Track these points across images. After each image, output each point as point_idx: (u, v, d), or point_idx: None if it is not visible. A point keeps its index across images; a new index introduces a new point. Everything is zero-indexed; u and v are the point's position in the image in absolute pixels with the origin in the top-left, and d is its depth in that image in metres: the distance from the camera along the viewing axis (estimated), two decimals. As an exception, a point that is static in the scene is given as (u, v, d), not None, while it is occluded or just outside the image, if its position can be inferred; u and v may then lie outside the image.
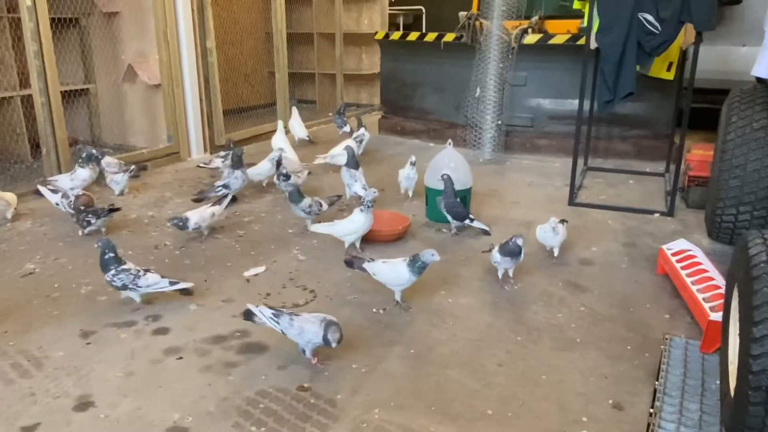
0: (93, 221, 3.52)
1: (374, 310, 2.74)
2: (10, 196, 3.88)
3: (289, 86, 6.93)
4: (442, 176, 3.64)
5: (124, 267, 2.71)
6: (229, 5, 6.81)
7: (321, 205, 3.69)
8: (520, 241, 2.90)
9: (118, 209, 3.66)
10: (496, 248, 2.99)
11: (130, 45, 5.45)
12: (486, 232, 3.61)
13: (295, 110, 5.93)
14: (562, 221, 3.30)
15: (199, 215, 3.47)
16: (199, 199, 3.92)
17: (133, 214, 4.04)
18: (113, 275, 2.69)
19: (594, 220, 3.94)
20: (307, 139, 5.94)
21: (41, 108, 4.34)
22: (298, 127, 5.95)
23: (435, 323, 2.65)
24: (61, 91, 4.53)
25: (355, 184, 4.15)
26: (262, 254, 3.39)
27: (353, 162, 4.16)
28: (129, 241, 3.54)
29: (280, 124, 5.30)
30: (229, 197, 3.54)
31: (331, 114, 7.08)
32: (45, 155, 4.44)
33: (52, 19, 4.39)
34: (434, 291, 2.94)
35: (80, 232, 3.60)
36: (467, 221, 3.62)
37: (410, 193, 4.30)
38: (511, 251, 2.92)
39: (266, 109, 7.59)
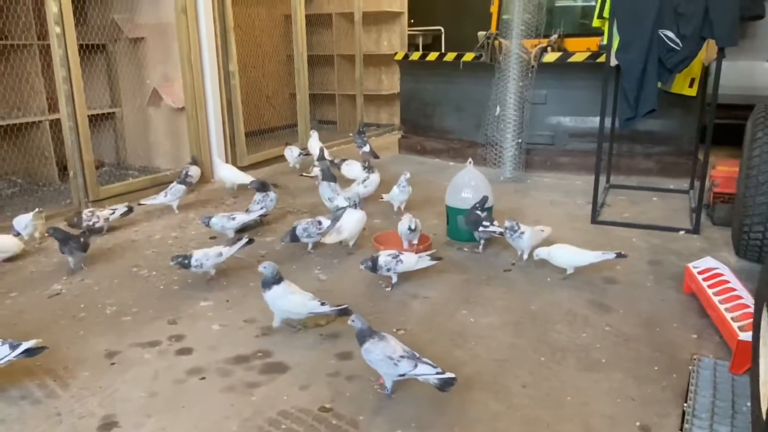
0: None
1: (395, 330, 2.73)
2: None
3: (310, 107, 7.00)
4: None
5: None
6: (251, 29, 6.93)
7: (320, 224, 3.65)
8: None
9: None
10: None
11: (155, 69, 5.57)
12: (501, 234, 3.59)
13: (314, 133, 5.98)
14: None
15: (203, 254, 3.22)
16: (241, 229, 3.96)
17: (157, 234, 4.10)
18: None
19: (618, 238, 3.89)
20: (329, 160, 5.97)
21: (69, 132, 4.44)
22: (317, 148, 5.96)
23: (457, 343, 2.63)
24: (88, 115, 4.63)
25: (338, 197, 4.21)
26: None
27: (330, 175, 4.29)
28: (154, 262, 3.58)
29: (314, 133, 5.88)
30: (244, 240, 3.33)
31: (351, 134, 7.13)
32: (72, 178, 4.53)
33: (80, 46, 4.50)
34: (456, 310, 2.93)
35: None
36: (482, 228, 3.63)
37: (402, 207, 4.35)
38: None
39: (287, 130, 7.68)
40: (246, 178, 5.02)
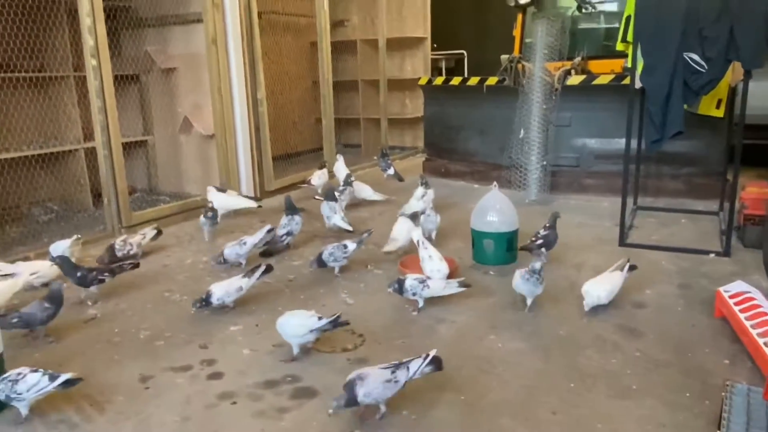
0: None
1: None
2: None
3: (335, 131, 7.11)
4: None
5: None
6: (278, 57, 7.10)
7: (346, 248, 3.71)
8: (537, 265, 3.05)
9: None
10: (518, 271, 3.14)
11: (186, 98, 5.74)
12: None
13: (340, 157, 6.06)
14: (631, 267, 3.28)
15: (224, 289, 3.20)
16: (268, 253, 4.07)
17: (188, 259, 4.19)
18: None
19: (646, 261, 3.85)
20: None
21: (104, 160, 4.59)
22: (343, 172, 6.01)
23: (485, 369, 2.63)
24: (121, 143, 4.78)
25: (335, 216, 4.38)
26: (312, 298, 3.45)
27: (332, 195, 4.53)
28: (185, 286, 3.66)
29: (340, 157, 5.97)
30: (262, 268, 3.33)
31: (375, 158, 7.21)
32: (106, 205, 4.67)
33: (115, 76, 4.66)
34: (483, 335, 2.93)
35: None
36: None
37: (434, 236, 4.16)
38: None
39: (313, 154, 7.79)
40: (247, 202, 5.10)
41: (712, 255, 3.90)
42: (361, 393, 2.18)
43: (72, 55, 5.24)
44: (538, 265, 3.08)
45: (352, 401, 2.18)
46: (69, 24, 5.17)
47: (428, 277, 3.24)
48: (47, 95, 5.34)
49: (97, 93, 4.47)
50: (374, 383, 2.20)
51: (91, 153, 5.14)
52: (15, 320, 2.83)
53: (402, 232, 3.97)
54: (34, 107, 5.22)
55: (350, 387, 2.19)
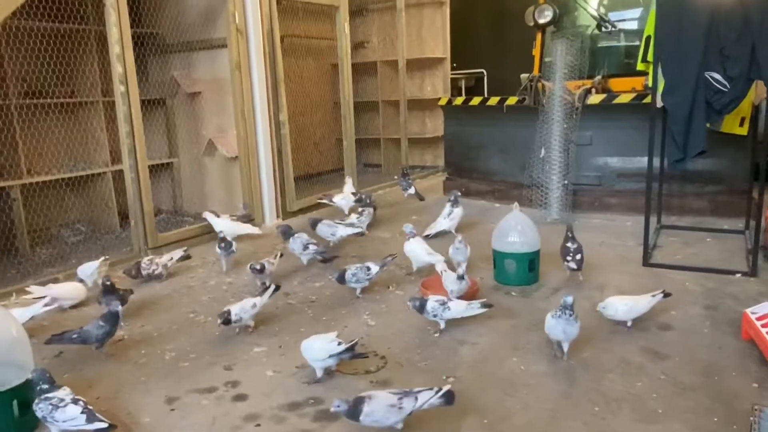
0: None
1: (444, 377, 2.75)
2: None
3: (356, 151, 7.18)
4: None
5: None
6: (300, 80, 7.22)
7: (369, 269, 3.73)
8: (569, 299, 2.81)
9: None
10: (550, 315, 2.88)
11: (210, 121, 5.86)
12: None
13: (348, 179, 6.06)
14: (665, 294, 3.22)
15: (240, 308, 3.25)
16: (326, 260, 4.31)
17: (212, 280, 4.25)
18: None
19: (671, 281, 3.81)
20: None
21: (131, 183, 4.69)
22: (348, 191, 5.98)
23: (508, 392, 2.62)
24: (148, 166, 4.89)
25: (338, 228, 4.70)
26: (334, 319, 3.47)
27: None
28: (209, 308, 3.71)
29: (348, 179, 6.01)
30: (272, 288, 3.43)
31: (396, 177, 7.26)
32: (133, 226, 4.76)
33: (142, 101, 4.77)
34: (506, 357, 2.92)
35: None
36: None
37: (464, 268, 3.57)
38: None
39: (334, 174, 7.88)
40: (250, 229, 5.11)
41: (738, 275, 3.84)
42: (365, 411, 2.21)
43: (101, 81, 5.40)
44: (570, 299, 2.80)
45: (354, 415, 2.23)
46: (98, 51, 5.34)
47: (449, 299, 3.24)
48: (77, 120, 5.51)
49: (125, 118, 4.59)
50: (379, 406, 2.23)
51: (118, 176, 5.27)
52: (75, 336, 3.02)
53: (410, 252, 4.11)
54: (64, 132, 5.38)
55: (357, 402, 2.23)
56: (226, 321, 3.19)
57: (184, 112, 5.98)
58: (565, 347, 2.87)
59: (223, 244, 4.37)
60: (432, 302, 3.15)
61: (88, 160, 5.58)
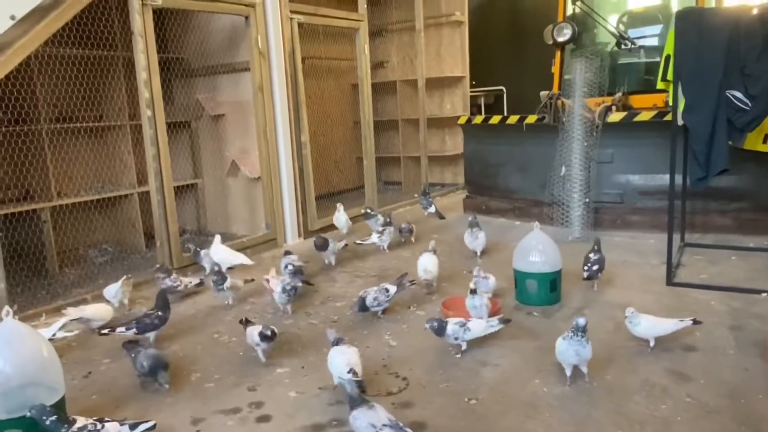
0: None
1: (466, 399, 2.75)
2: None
3: (376, 169, 7.25)
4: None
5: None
6: (320, 100, 7.32)
7: (387, 291, 3.74)
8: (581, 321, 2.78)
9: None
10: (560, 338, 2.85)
11: (233, 143, 5.98)
12: None
13: (340, 206, 5.82)
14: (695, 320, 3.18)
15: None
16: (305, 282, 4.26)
17: (235, 301, 4.31)
18: None
19: (695, 301, 3.77)
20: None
21: (157, 205, 4.79)
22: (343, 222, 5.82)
23: (530, 414, 2.61)
24: (173, 187, 5.00)
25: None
26: (356, 339, 3.48)
27: (222, 279, 4.09)
28: (234, 328, 3.76)
29: (340, 206, 5.74)
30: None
31: (416, 195, 7.30)
32: (159, 247, 4.86)
33: (167, 124, 4.89)
34: (528, 379, 2.91)
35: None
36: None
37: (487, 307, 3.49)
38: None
39: (354, 192, 7.95)
40: (243, 258, 4.69)
41: (765, 294, 3.79)
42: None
43: (128, 105, 5.55)
44: (582, 321, 2.76)
45: (355, 401, 2.35)
46: (126, 77, 5.49)
47: (469, 319, 3.25)
48: (105, 143, 5.66)
49: (151, 141, 4.70)
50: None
51: (144, 197, 5.39)
52: (133, 328, 3.37)
53: (423, 265, 4.16)
54: (93, 155, 5.54)
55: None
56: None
57: (208, 134, 6.11)
58: (585, 369, 2.83)
59: (215, 278, 4.08)
60: (452, 325, 3.16)
61: (116, 182, 5.72)
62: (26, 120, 4.92)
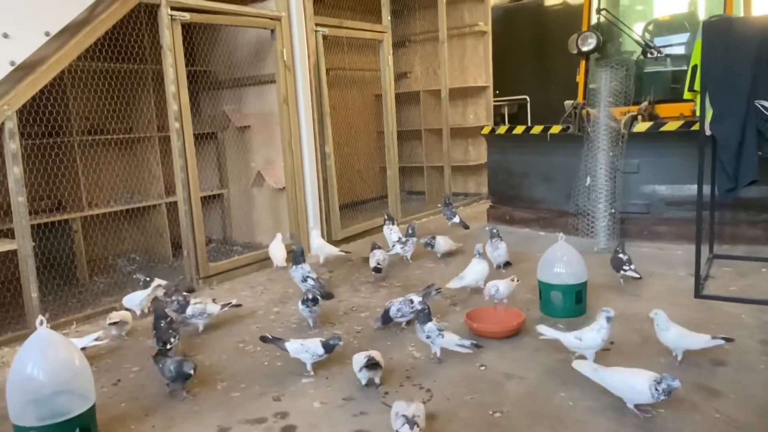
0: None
1: (490, 412, 2.74)
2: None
3: (399, 179, 7.27)
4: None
5: None
6: (344, 111, 7.39)
7: (412, 302, 3.72)
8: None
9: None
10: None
11: (259, 154, 6.06)
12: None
13: (314, 231, 5.62)
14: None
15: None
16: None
17: (260, 310, 4.35)
18: None
19: (725, 314, 3.71)
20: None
21: (184, 215, 4.87)
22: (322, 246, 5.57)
23: (556, 428, 2.59)
24: (200, 197, 5.08)
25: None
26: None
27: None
28: (258, 337, 3.79)
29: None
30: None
31: (439, 205, 7.29)
32: (186, 256, 4.94)
33: (194, 135, 4.97)
34: (553, 393, 2.89)
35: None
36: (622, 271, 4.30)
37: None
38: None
39: (377, 202, 7.98)
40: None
41: (797, 308, 3.71)
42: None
43: (157, 118, 5.67)
44: (610, 313, 3.09)
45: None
46: (155, 89, 5.61)
47: (446, 326, 3.41)
48: (134, 155, 5.79)
49: (179, 152, 4.79)
50: None
51: (172, 207, 5.49)
52: (174, 305, 3.80)
53: (472, 272, 4.25)
54: (122, 166, 5.66)
55: None
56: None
57: (234, 145, 6.20)
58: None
59: (308, 299, 3.84)
60: (431, 324, 3.26)
61: (144, 192, 5.84)
62: (59, 132, 5.06)
